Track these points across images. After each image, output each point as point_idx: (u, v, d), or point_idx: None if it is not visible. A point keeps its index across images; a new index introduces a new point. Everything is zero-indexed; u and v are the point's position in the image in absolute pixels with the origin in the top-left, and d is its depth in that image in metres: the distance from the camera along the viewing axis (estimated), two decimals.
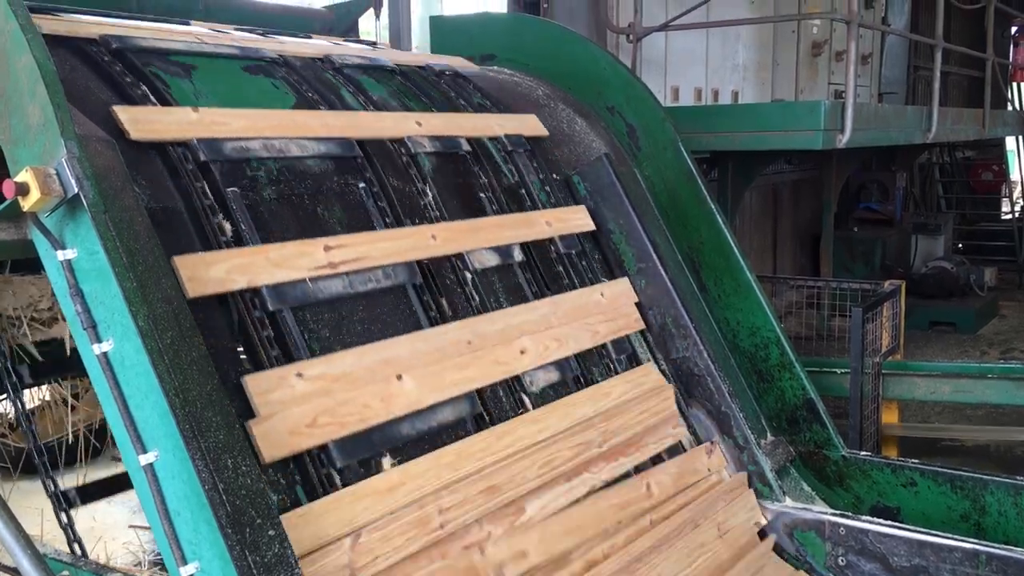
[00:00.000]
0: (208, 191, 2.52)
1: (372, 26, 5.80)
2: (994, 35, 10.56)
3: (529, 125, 3.85)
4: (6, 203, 2.06)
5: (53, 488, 3.01)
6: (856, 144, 6.32)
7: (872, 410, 5.14)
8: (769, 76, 9.74)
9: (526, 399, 3.02)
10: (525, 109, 4.03)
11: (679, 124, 4.21)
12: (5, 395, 3.21)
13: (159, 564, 4.54)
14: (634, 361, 3.60)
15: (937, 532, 3.20)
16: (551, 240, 3.54)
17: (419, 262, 2.93)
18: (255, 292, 2.41)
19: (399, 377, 2.58)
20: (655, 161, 4.14)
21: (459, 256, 3.11)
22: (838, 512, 3.42)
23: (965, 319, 10.69)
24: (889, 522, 3.30)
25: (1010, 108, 13.56)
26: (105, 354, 1.99)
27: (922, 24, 12.80)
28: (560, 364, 3.20)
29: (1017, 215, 14.47)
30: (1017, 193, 15.41)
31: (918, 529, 3.23)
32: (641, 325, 3.67)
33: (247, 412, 2.21)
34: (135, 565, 4.72)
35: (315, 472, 2.31)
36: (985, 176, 15.15)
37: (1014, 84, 14.20)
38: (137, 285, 1.98)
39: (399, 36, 7.16)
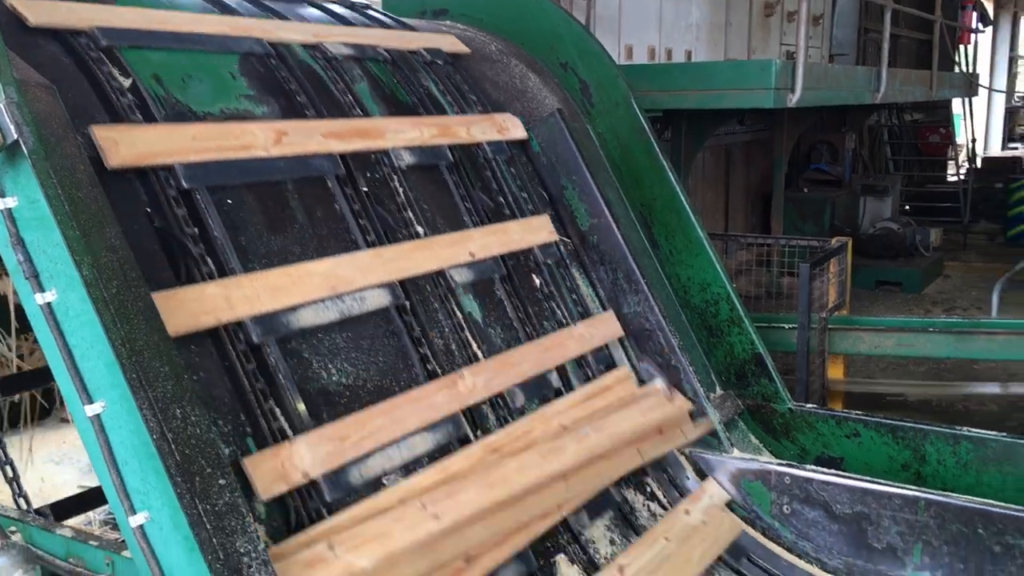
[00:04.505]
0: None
1: None
2: None
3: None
4: None
5: None
6: (806, 103, 6.38)
7: (818, 364, 5.25)
8: (722, 36, 9.77)
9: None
10: (479, 65, 4.00)
11: (632, 82, 4.21)
12: None
13: (110, 523, 4.52)
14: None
15: (879, 480, 3.29)
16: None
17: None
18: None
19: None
20: (608, 117, 4.14)
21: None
22: (783, 462, 3.50)
23: (911, 279, 10.92)
24: (832, 471, 3.39)
25: (957, 70, 13.77)
26: (49, 304, 1.95)
27: None
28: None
29: (962, 177, 14.76)
30: (963, 156, 15.70)
31: (860, 477, 3.32)
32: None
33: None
34: (85, 524, 4.67)
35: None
36: (933, 139, 15.42)
37: (961, 47, 14.41)
38: (80, 234, 1.95)
39: None
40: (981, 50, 16.84)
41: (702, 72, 6.53)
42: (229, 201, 2.58)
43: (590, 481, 3.03)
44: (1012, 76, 24.07)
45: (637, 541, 3.04)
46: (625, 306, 3.72)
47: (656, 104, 6.22)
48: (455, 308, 3.09)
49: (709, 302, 4.00)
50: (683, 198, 4.01)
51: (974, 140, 15.18)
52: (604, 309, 3.71)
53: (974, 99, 14.52)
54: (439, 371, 2.88)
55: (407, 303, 2.90)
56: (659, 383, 3.62)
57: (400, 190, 3.16)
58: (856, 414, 3.84)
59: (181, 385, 1.99)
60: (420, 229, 3.15)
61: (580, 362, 3.46)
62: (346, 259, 2.76)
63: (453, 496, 2.53)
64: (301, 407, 2.42)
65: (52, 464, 5.64)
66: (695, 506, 3.31)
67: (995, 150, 22.05)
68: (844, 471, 3.51)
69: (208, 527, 1.88)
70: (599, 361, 3.55)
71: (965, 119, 14.72)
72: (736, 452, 3.57)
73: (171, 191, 2.45)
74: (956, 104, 14.96)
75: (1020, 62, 24.53)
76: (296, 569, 2.10)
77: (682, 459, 3.47)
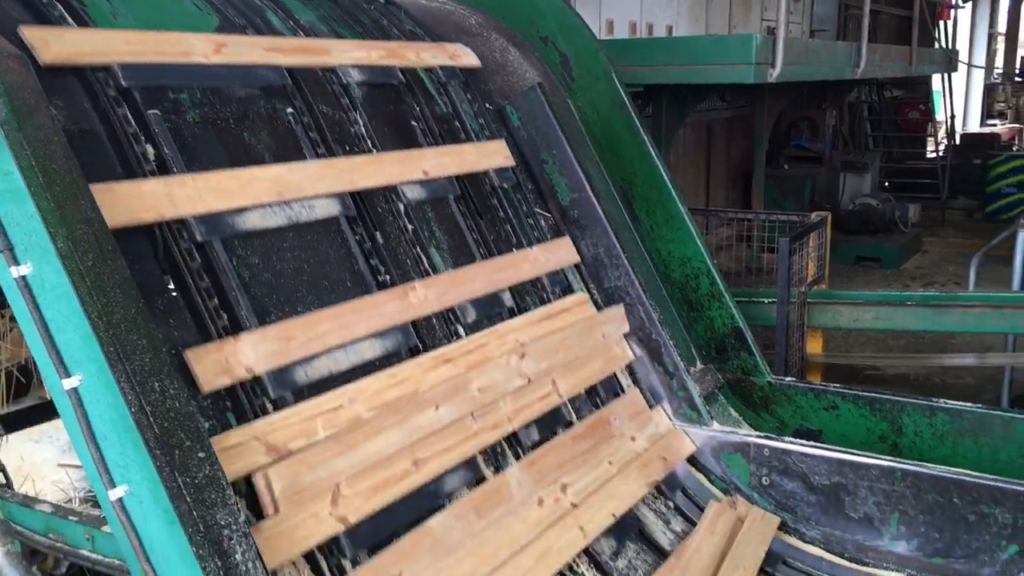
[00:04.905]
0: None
1: None
2: None
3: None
4: None
5: None
6: (787, 78, 6.38)
7: (797, 338, 5.28)
8: (703, 12, 9.75)
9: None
10: (458, 39, 3.97)
11: (613, 57, 4.20)
12: None
13: (90, 500, 4.50)
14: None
15: (856, 451, 3.32)
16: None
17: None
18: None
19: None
20: (588, 92, 4.13)
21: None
22: (762, 434, 3.53)
23: (889, 254, 11.01)
24: (811, 443, 3.42)
25: (937, 46, 13.80)
26: (24, 277, 1.93)
27: None
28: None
29: (941, 153, 14.85)
30: (942, 132, 15.78)
31: (838, 448, 3.35)
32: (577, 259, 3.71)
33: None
34: (65, 502, 4.66)
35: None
36: (912, 115, 15.47)
37: (941, 23, 14.44)
38: (55, 206, 1.93)
39: None
40: (961, 26, 16.88)
41: (683, 47, 6.52)
42: (170, 103, 2.56)
43: None
44: (991, 52, 24.15)
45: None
46: (606, 280, 3.73)
47: (637, 79, 6.21)
48: (407, 223, 3.09)
49: (689, 276, 4.01)
50: (664, 173, 4.01)
51: (953, 116, 15.26)
52: (561, 235, 3.72)
53: (953, 75, 14.57)
54: (389, 283, 2.88)
55: (358, 215, 2.90)
56: (618, 310, 3.64)
57: (351, 107, 3.15)
58: (834, 387, 3.87)
59: (159, 358, 1.98)
60: (372, 145, 3.13)
61: (536, 284, 3.49)
62: (294, 166, 2.75)
63: None
64: (247, 306, 2.42)
65: (31, 443, 5.61)
66: (641, 433, 3.37)
67: (974, 126, 22.15)
68: (822, 443, 3.54)
69: (188, 500, 1.88)
70: (555, 284, 3.58)
71: (944, 95, 14.78)
72: (716, 425, 3.60)
73: (110, 91, 2.44)
74: (936, 81, 15.01)
75: (999, 38, 24.61)
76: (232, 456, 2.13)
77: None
